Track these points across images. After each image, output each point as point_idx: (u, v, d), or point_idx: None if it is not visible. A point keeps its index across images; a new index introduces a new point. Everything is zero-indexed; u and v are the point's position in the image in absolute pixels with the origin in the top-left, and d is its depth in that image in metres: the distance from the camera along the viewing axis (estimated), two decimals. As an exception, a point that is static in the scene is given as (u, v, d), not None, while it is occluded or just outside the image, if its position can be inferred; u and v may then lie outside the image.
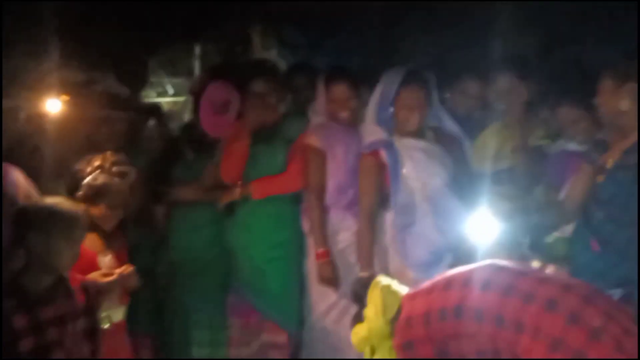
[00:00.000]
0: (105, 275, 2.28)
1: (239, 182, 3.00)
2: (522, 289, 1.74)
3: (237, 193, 3.00)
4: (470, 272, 1.87)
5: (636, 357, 1.62)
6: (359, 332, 2.04)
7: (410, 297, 1.96)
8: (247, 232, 3.01)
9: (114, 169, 2.45)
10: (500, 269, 1.84)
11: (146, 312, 2.95)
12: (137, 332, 2.78)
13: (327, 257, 2.87)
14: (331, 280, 2.87)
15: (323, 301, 2.90)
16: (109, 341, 2.27)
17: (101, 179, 2.41)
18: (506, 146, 2.85)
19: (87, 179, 2.41)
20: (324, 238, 2.88)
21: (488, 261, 1.90)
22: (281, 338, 2.97)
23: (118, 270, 2.30)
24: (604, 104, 2.38)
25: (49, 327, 2.00)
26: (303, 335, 2.99)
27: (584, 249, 2.43)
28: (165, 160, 3.17)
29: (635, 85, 2.31)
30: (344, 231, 2.90)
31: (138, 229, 2.84)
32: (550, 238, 2.63)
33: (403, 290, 2.02)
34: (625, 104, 2.31)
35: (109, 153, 2.51)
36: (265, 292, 2.97)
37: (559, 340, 1.64)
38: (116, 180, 2.43)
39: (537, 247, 2.55)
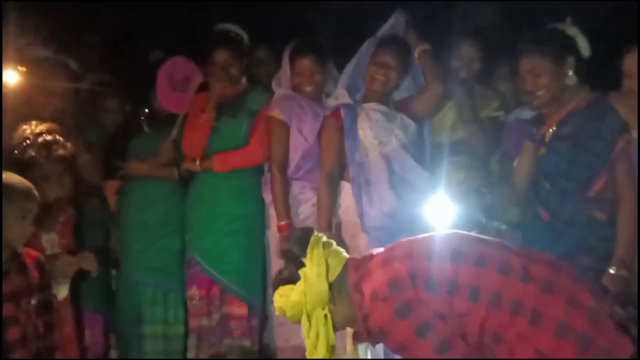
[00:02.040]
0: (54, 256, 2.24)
1: (201, 155, 2.98)
2: (517, 267, 1.65)
3: (198, 165, 2.99)
4: (453, 244, 1.72)
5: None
6: (289, 296, 1.78)
7: (361, 264, 1.77)
8: (207, 205, 3.00)
9: (40, 140, 2.33)
10: (482, 242, 1.75)
11: (97, 289, 2.90)
12: (88, 310, 2.77)
13: (289, 229, 2.87)
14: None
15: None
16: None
17: (28, 151, 2.30)
18: (461, 118, 2.88)
19: (15, 151, 2.32)
20: (286, 210, 2.89)
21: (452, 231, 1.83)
22: (241, 310, 2.98)
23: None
24: (547, 79, 2.37)
25: (3, 302, 1.98)
26: (265, 307, 3.02)
27: (535, 219, 2.49)
28: (121, 135, 3.12)
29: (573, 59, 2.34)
30: (305, 203, 2.92)
31: (88, 204, 2.81)
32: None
33: (344, 253, 1.83)
34: (569, 77, 2.34)
35: (34, 123, 2.39)
36: (226, 265, 2.97)
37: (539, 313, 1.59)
38: (43, 152, 2.32)
39: (493, 215, 2.59)
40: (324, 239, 1.84)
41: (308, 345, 1.81)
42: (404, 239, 1.82)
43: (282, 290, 1.82)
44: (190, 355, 2.99)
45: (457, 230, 1.83)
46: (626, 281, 2.22)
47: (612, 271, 2.24)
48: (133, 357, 3.01)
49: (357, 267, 1.78)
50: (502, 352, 1.62)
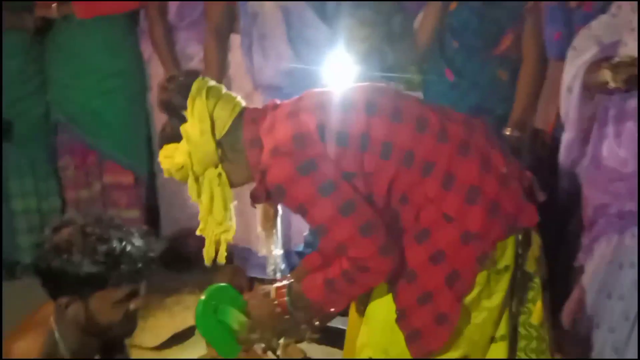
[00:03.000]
0: None
1: None
2: (434, 124, 1.51)
3: (54, 10, 2.53)
4: (368, 95, 1.54)
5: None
6: (173, 157, 1.54)
7: (260, 116, 1.53)
8: (73, 61, 2.61)
9: None
10: (399, 95, 1.61)
11: None
12: None
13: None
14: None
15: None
16: None
17: None
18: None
19: None
20: (174, 59, 2.60)
21: (370, 84, 1.63)
22: (127, 179, 2.75)
23: None
24: None
25: None
26: (153, 175, 2.80)
27: (438, 79, 2.41)
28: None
29: None
30: (191, 59, 2.64)
31: None
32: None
33: (239, 100, 1.57)
34: None
35: None
36: (101, 129, 2.67)
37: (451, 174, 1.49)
38: None
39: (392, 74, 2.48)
40: (210, 83, 1.55)
41: (201, 209, 1.59)
42: (314, 89, 1.60)
43: (166, 150, 1.56)
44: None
45: (374, 83, 1.64)
46: (519, 141, 2.24)
47: (507, 132, 2.24)
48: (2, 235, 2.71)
49: (255, 119, 1.54)
50: (407, 215, 1.53)
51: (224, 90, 1.58)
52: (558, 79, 2.05)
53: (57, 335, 1.42)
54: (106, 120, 2.67)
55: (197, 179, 1.56)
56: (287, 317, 1.62)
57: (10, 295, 2.43)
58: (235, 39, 2.56)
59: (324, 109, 1.52)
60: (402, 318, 1.56)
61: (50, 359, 1.41)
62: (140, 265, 1.42)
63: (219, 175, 1.55)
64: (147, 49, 2.67)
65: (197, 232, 1.63)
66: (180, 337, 2.40)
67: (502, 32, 2.26)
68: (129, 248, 1.40)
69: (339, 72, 2.29)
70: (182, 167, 1.55)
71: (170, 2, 2.64)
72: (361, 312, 1.70)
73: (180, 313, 2.52)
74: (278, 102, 1.60)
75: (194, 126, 1.51)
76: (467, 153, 1.52)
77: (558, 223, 2.09)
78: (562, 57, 2.08)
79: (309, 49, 2.51)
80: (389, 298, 1.59)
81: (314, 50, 2.49)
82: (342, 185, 1.47)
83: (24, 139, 2.70)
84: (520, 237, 1.56)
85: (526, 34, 2.25)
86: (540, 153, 2.25)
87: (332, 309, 1.63)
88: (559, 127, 2.15)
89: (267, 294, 1.63)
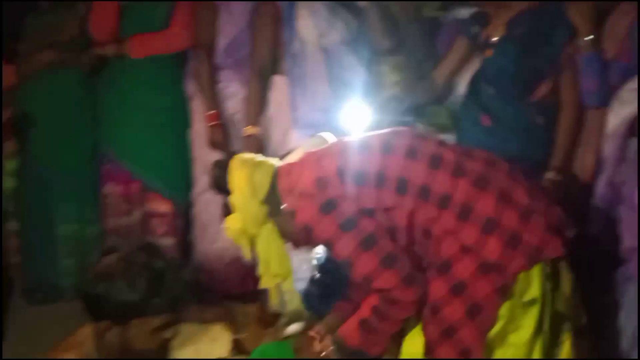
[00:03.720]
0: None
1: (114, 38, 2.67)
2: (449, 161, 1.59)
3: (111, 49, 2.69)
4: (386, 137, 1.66)
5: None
6: (232, 225, 1.75)
7: (290, 169, 1.69)
8: (124, 97, 2.75)
9: None
10: (418, 136, 1.70)
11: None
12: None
13: (218, 119, 2.70)
14: (221, 144, 2.72)
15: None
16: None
17: None
18: (401, 16, 2.72)
19: None
20: (215, 99, 2.70)
21: (396, 128, 1.74)
22: (164, 207, 2.84)
23: None
24: None
25: None
26: (190, 207, 2.87)
27: (472, 124, 2.43)
28: (13, 10, 2.72)
29: None
30: (233, 97, 2.73)
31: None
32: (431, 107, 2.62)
33: (270, 162, 1.75)
34: None
35: None
36: (146, 161, 2.79)
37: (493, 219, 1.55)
38: None
39: (420, 114, 2.52)
40: (243, 159, 1.74)
41: (260, 266, 1.77)
42: (340, 138, 1.74)
43: (228, 221, 1.76)
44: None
45: (397, 127, 1.74)
46: (561, 185, 2.25)
47: (548, 176, 2.25)
48: (43, 261, 2.82)
49: (289, 172, 1.69)
50: (431, 248, 1.59)
51: (256, 159, 1.74)
52: (595, 126, 2.12)
53: (94, 357, 1.46)
54: (151, 152, 2.79)
55: (251, 240, 1.74)
56: None
57: (48, 317, 2.50)
58: (276, 79, 2.65)
59: (344, 153, 1.64)
60: (428, 352, 1.60)
61: None
62: (178, 294, 1.46)
63: (271, 231, 1.71)
64: (191, 88, 2.78)
65: (260, 287, 1.82)
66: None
67: (539, 79, 2.27)
68: (168, 277, 1.45)
69: (369, 114, 2.37)
70: (240, 232, 1.72)
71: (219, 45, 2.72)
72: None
73: (207, 345, 2.53)
74: (307, 152, 1.73)
75: (237, 195, 1.69)
76: (484, 187, 1.57)
77: (598, 269, 2.08)
78: (599, 106, 2.16)
79: (345, 90, 2.58)
80: (419, 336, 1.61)
81: (350, 91, 2.56)
82: (362, 221, 1.57)
83: (71, 167, 2.84)
84: (547, 270, 1.57)
85: (564, 81, 2.26)
86: (579, 197, 2.24)
87: (375, 351, 1.68)
88: (597, 172, 2.18)
89: (313, 345, 1.74)
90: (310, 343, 1.77)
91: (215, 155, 2.73)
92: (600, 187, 2.12)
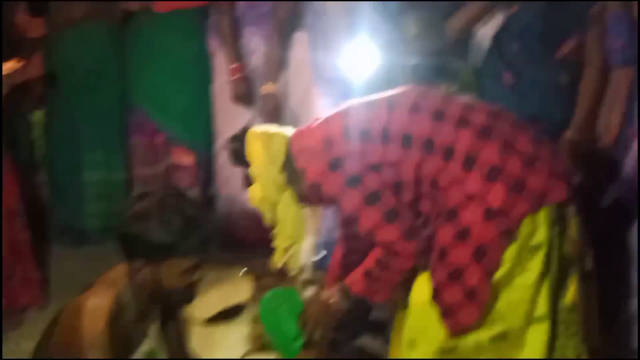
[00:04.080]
0: None
1: None
2: (453, 113, 1.64)
3: (136, 3, 2.73)
4: (392, 95, 1.72)
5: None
6: (255, 195, 1.83)
7: (301, 133, 1.77)
8: (149, 49, 2.80)
9: None
10: (425, 92, 1.73)
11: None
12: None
13: (242, 71, 2.71)
14: (246, 97, 2.75)
15: (231, 127, 2.79)
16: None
17: None
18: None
19: None
20: (238, 52, 2.71)
21: (407, 86, 1.78)
22: (188, 159, 2.91)
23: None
24: None
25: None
26: (211, 158, 2.93)
27: (495, 82, 2.42)
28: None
29: None
30: (254, 53, 2.74)
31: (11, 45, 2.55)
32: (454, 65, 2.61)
33: (284, 131, 1.82)
34: None
35: None
36: (171, 112, 2.85)
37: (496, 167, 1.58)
38: None
39: (442, 73, 2.52)
40: (258, 130, 1.81)
41: (277, 228, 1.86)
42: (356, 100, 1.78)
43: (250, 192, 1.83)
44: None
45: (406, 86, 1.77)
46: (580, 145, 2.24)
47: (567, 136, 2.25)
48: (71, 205, 2.92)
49: (301, 136, 1.77)
50: (439, 199, 1.64)
51: (270, 130, 1.82)
52: (620, 86, 2.07)
53: (127, 295, 1.52)
54: (176, 104, 2.84)
55: (273, 207, 1.83)
56: (339, 312, 1.79)
57: (78, 260, 2.60)
58: (297, 36, 2.66)
59: (351, 113, 1.71)
60: (436, 295, 1.66)
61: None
62: (206, 239, 1.51)
63: (290, 196, 1.80)
64: (213, 43, 2.80)
65: (273, 245, 1.90)
66: (227, 314, 2.50)
67: (565, 36, 2.25)
68: (198, 222, 1.50)
69: (392, 67, 2.37)
70: (262, 200, 1.82)
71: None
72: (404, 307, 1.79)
73: (230, 290, 2.62)
74: (317, 118, 1.79)
75: (256, 166, 1.79)
76: (488, 136, 1.61)
77: (616, 229, 2.09)
78: (625, 64, 2.10)
79: (368, 45, 2.56)
80: (424, 287, 1.68)
81: (372, 46, 2.54)
82: (368, 178, 1.63)
83: (99, 116, 2.90)
84: (554, 215, 1.60)
85: (590, 39, 2.22)
86: (600, 159, 2.25)
87: (378, 299, 1.77)
88: (621, 134, 2.15)
89: (321, 294, 1.84)
90: (318, 290, 1.87)
91: (239, 109, 2.79)
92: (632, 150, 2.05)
